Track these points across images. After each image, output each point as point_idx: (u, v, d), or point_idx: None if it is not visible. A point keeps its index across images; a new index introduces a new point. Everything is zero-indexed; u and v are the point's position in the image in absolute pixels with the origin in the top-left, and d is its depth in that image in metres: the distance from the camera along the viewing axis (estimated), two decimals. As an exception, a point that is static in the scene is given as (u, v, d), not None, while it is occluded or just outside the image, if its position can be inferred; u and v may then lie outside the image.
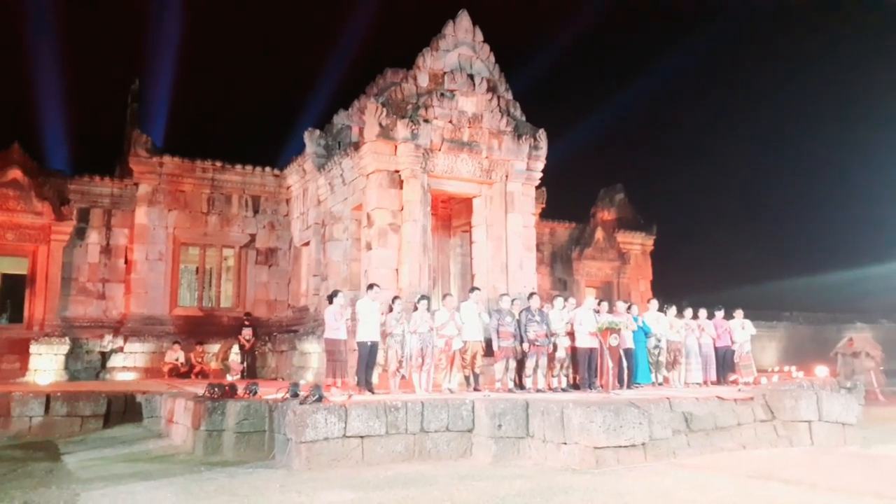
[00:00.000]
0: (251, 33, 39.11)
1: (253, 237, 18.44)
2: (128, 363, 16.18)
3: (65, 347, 15.45)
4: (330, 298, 10.70)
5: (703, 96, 43.93)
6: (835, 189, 40.04)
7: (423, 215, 13.27)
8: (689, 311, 12.92)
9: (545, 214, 21.52)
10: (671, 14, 44.64)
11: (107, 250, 17.17)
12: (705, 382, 12.45)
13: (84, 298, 16.81)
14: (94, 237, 17.08)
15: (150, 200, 17.32)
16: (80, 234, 16.86)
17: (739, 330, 13.25)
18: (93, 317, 16.76)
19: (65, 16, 29.96)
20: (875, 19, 39.54)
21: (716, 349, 12.88)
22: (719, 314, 13.24)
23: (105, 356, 16.25)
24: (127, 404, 10.91)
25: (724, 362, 12.97)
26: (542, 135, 14.50)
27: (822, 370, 14.66)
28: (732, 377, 12.88)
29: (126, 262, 17.26)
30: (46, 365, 15.14)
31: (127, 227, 17.34)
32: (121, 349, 16.23)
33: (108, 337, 16.26)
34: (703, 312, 13.06)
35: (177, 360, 15.87)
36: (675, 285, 25.57)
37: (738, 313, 13.46)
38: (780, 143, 45.78)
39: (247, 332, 16.17)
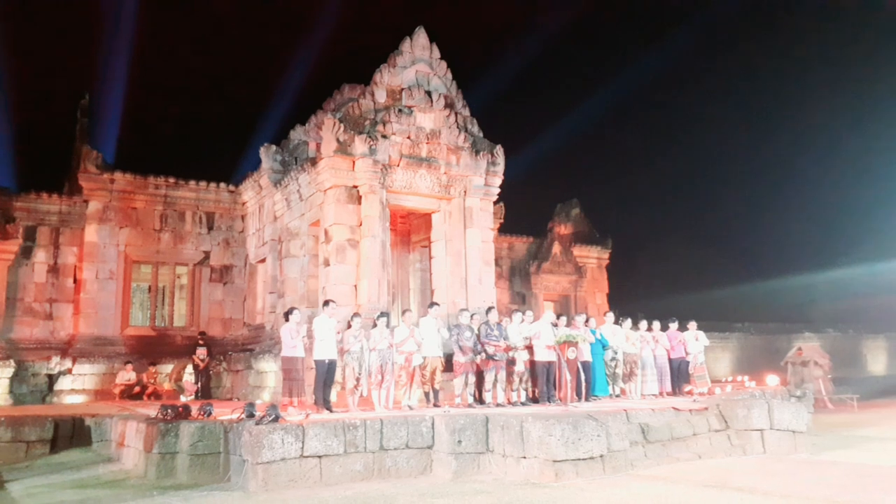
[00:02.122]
0: (206, 47, 38.66)
1: (207, 254, 18.11)
2: (77, 385, 15.66)
3: (9, 370, 14.88)
4: (286, 316, 10.57)
5: (652, 109, 45.06)
6: (782, 200, 41.37)
7: (381, 231, 13.23)
8: (643, 324, 13.13)
9: (503, 229, 21.67)
10: (623, 32, 45.74)
11: (55, 269, 16.64)
12: (661, 394, 12.64)
13: (30, 319, 16.23)
14: (41, 256, 16.53)
15: (100, 218, 16.88)
16: (26, 252, 16.30)
17: (693, 341, 13.51)
18: (39, 338, 16.18)
19: (11, 28, 29.18)
20: (827, 25, 41.12)
21: (670, 360, 13.11)
22: (673, 326, 13.49)
23: (52, 379, 15.69)
24: (75, 428, 10.55)
25: (679, 373, 13.20)
26: (499, 151, 14.64)
27: (772, 379, 15.02)
28: (687, 388, 13.11)
29: (75, 281, 16.74)
30: (-11, 389, 14.56)
31: (76, 246, 16.84)
32: (69, 371, 15.70)
33: (56, 359, 15.72)
34: (657, 324, 13.29)
35: (129, 380, 15.45)
36: (631, 297, 26.06)
37: (692, 325, 13.73)
38: (729, 157, 47.16)
39: (201, 352, 15.81)
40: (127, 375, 15.49)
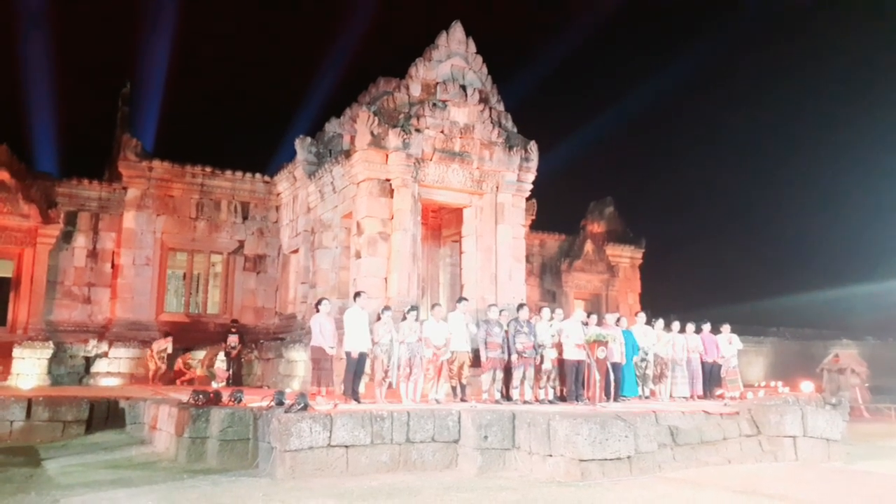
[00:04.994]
0: (244, 39, 39.12)
1: (241, 243, 18.35)
2: (112, 368, 16.02)
3: (48, 352, 15.28)
4: (317, 306, 10.66)
5: (693, 111, 44.28)
6: (822, 207, 40.41)
7: (413, 224, 13.25)
8: (676, 325, 12.96)
9: (535, 226, 21.56)
10: (660, 29, 45.11)
11: (93, 254, 17.03)
12: (692, 396, 12.47)
13: (69, 302, 16.65)
14: (80, 241, 16.94)
15: (138, 205, 17.22)
16: (66, 237, 16.71)
17: (726, 344, 13.30)
18: (78, 321, 16.59)
19: (56, 17, 29.87)
20: (871, 25, 39.94)
21: (702, 363, 12.92)
22: (706, 328, 13.29)
23: (89, 361, 16.07)
24: (110, 410, 10.79)
25: (711, 376, 13.01)
26: (532, 146, 14.55)
27: (807, 386, 14.72)
28: (719, 391, 12.91)
29: (113, 266, 17.12)
30: (29, 369, 14.94)
31: (114, 232, 17.21)
32: (105, 354, 16.06)
33: (93, 342, 16.10)
34: (690, 326, 13.11)
35: (165, 350, 15.72)
36: (663, 299, 25.66)
37: (725, 328, 13.52)
38: (769, 158, 46.22)
39: (233, 339, 16.04)
40: (165, 344, 15.77)
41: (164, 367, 15.73)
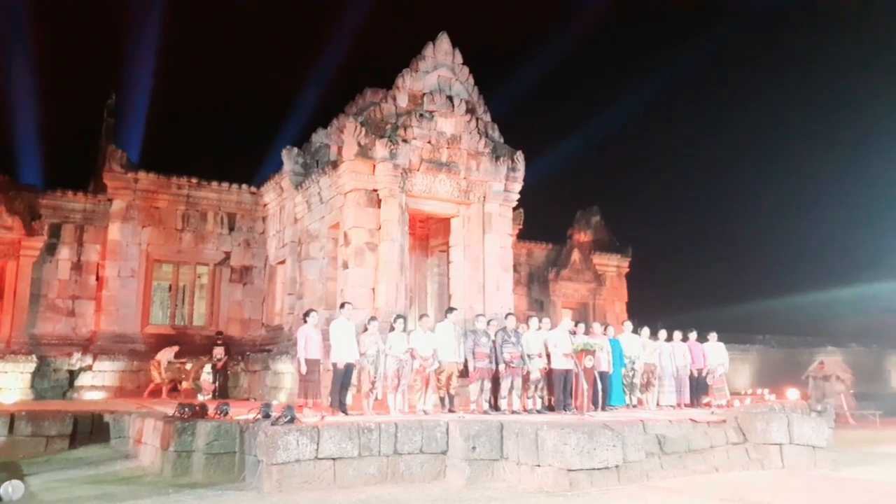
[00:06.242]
0: (231, 49, 39.09)
1: (228, 255, 18.25)
2: (97, 382, 15.83)
3: (31, 365, 15.09)
4: (304, 318, 10.62)
5: (678, 119, 44.73)
6: (806, 213, 40.84)
7: (400, 235, 13.25)
8: (663, 333, 13.02)
9: (522, 235, 21.61)
10: (646, 40, 45.55)
11: (78, 266, 16.86)
12: (679, 405, 12.52)
13: (53, 315, 16.46)
14: (65, 253, 16.76)
15: (123, 216, 17.09)
16: (50, 249, 16.54)
17: (713, 353, 13.36)
18: (62, 334, 16.40)
19: (41, 28, 29.72)
20: (852, 35, 40.44)
21: (689, 372, 12.97)
22: (693, 336, 13.36)
23: (73, 375, 15.88)
24: (94, 424, 10.67)
25: (698, 385, 13.06)
26: (519, 156, 14.61)
27: (793, 393, 14.82)
28: (705, 400, 12.97)
29: (97, 278, 16.95)
30: (12, 383, 14.76)
31: (99, 244, 17.05)
32: (90, 367, 15.87)
33: (77, 355, 15.92)
34: (677, 335, 13.17)
35: (168, 360, 15.53)
36: (650, 307, 25.78)
37: (712, 336, 13.59)
38: (753, 166, 46.69)
39: (218, 352, 15.89)
40: (170, 353, 15.56)
41: (165, 379, 15.53)
